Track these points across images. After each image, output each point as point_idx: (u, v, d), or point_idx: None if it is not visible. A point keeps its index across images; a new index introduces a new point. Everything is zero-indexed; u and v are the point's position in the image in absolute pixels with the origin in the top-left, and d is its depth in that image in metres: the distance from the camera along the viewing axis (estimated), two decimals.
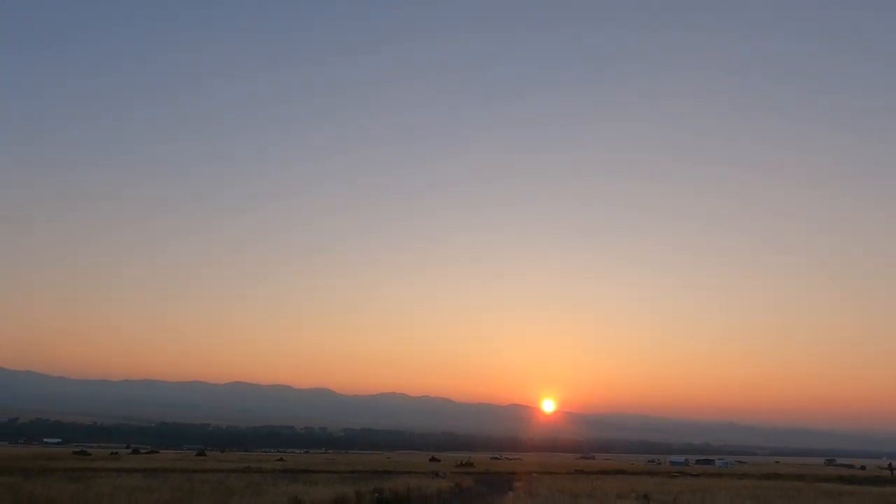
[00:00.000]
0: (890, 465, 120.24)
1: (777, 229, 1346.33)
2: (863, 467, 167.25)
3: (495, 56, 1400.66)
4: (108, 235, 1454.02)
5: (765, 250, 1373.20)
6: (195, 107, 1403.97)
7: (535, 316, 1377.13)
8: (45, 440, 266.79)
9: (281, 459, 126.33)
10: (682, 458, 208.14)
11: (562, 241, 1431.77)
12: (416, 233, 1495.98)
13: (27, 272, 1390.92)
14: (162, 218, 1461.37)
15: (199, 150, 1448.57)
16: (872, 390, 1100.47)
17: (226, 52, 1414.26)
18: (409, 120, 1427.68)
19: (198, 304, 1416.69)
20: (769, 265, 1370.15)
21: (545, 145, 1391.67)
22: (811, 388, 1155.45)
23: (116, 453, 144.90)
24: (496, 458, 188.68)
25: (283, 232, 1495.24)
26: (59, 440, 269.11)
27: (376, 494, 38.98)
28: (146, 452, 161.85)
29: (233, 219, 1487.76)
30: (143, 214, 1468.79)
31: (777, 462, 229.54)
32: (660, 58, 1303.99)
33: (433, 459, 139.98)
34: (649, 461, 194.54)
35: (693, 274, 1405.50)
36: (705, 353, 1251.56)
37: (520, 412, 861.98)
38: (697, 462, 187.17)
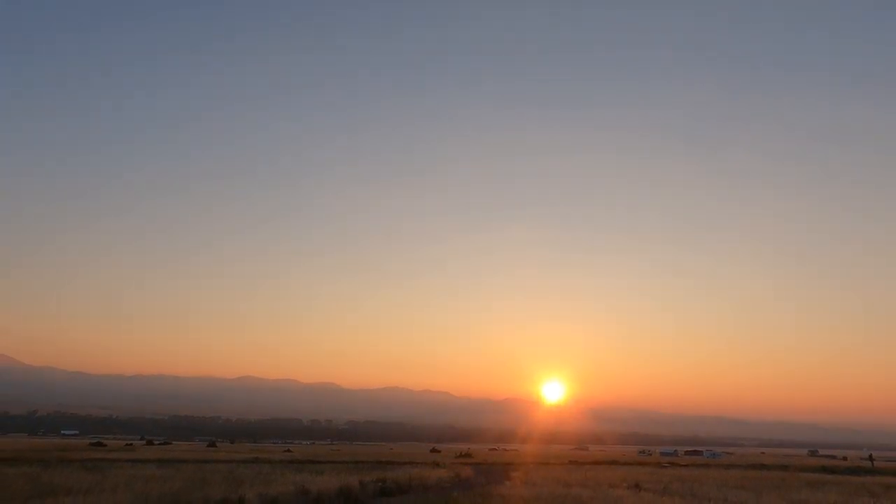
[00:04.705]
0: (870, 456, 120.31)
1: (770, 230, 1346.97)
2: (844, 458, 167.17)
3: (497, 44, 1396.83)
4: (122, 241, 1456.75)
5: (752, 250, 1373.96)
6: (204, 117, 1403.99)
7: (532, 314, 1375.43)
8: (62, 432, 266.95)
9: (288, 451, 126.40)
10: (672, 450, 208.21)
11: (558, 240, 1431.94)
12: (418, 233, 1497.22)
13: (46, 274, 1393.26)
14: (173, 223, 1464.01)
15: (205, 160, 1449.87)
16: (854, 385, 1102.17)
17: (226, 57, 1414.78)
18: (409, 121, 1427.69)
19: (207, 303, 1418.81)
20: (758, 265, 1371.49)
21: (545, 143, 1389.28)
22: (796, 383, 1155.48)
23: (131, 444, 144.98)
24: (494, 450, 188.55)
25: (288, 234, 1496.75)
26: (77, 432, 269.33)
27: (379, 484, 38.98)
28: (160, 444, 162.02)
29: (240, 222, 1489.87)
30: (154, 221, 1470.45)
31: (762, 453, 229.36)
32: (675, 51, 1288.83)
33: (434, 450, 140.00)
34: (640, 452, 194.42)
35: (685, 272, 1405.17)
36: (696, 350, 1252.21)
37: (516, 406, 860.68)
38: (686, 453, 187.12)
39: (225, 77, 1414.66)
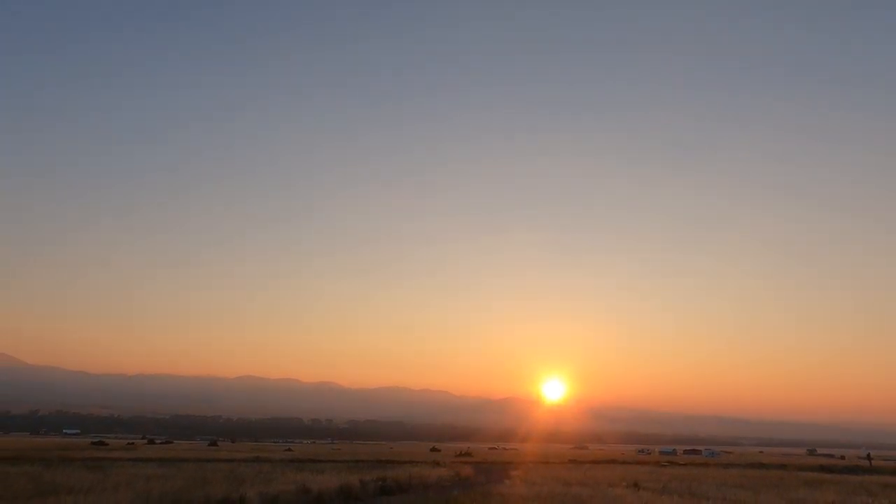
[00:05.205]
0: (868, 455, 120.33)
1: (770, 230, 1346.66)
2: (842, 457, 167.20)
3: (497, 45, 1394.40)
4: (124, 241, 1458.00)
5: (752, 250, 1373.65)
6: (204, 119, 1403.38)
7: (532, 314, 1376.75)
8: (64, 431, 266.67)
9: (289, 450, 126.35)
10: (671, 449, 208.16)
11: (558, 240, 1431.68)
12: (418, 234, 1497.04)
13: (48, 274, 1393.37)
14: (174, 224, 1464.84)
15: (206, 162, 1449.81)
16: (853, 385, 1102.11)
17: (229, 59, 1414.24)
18: (409, 122, 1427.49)
19: (209, 303, 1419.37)
20: (758, 265, 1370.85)
21: (546, 144, 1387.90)
22: (795, 383, 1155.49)
23: (133, 444, 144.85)
24: (493, 449, 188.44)
25: (289, 234, 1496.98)
26: (78, 431, 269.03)
27: (380, 482, 38.97)
28: (161, 443, 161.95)
29: (241, 224, 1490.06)
30: (156, 222, 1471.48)
31: (761, 452, 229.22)
32: (675, 52, 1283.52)
33: (434, 449, 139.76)
34: (640, 451, 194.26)
35: (685, 272, 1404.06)
36: (696, 350, 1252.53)
37: (516, 405, 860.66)
38: (685, 452, 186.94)
39: (226, 78, 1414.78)
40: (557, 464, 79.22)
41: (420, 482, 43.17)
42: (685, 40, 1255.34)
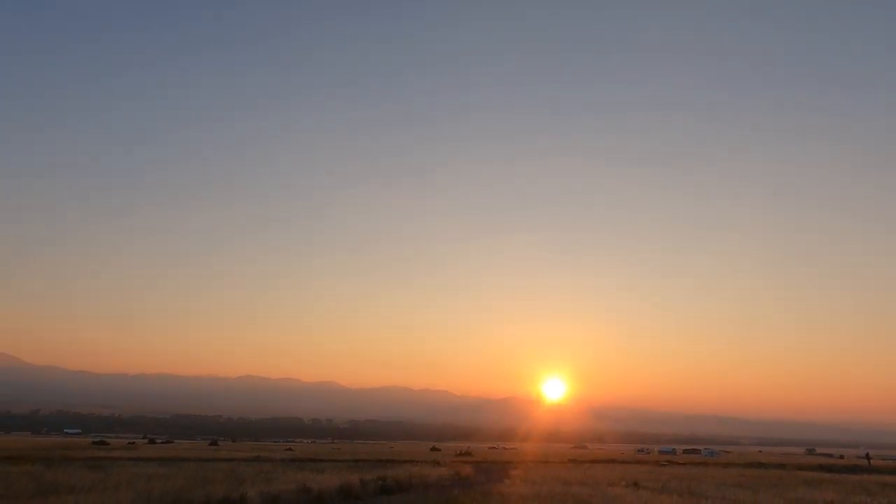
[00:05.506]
0: (867, 454, 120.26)
1: (770, 230, 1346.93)
2: (841, 456, 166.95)
3: (498, 45, 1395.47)
4: (126, 241, 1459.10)
5: (752, 250, 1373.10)
6: (205, 120, 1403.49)
7: (532, 314, 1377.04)
8: (65, 430, 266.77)
9: (289, 449, 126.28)
10: (670, 448, 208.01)
11: (558, 240, 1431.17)
12: (419, 234, 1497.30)
13: (49, 274, 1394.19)
14: (176, 224, 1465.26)
15: (208, 162, 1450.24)
16: (852, 384, 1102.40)
17: (234, 60, 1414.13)
18: (411, 124, 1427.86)
19: (209, 303, 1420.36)
20: (758, 265, 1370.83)
21: (546, 145, 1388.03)
22: (794, 382, 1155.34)
23: (133, 443, 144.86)
24: (493, 448, 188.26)
25: (290, 235, 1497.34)
26: (79, 431, 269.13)
27: (380, 482, 38.96)
28: (162, 442, 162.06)
29: (242, 224, 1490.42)
30: (158, 222, 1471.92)
31: (760, 451, 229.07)
32: (674, 52, 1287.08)
33: (434, 449, 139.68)
34: (639, 450, 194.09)
35: (684, 272, 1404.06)
36: (695, 349, 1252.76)
37: (515, 405, 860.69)
38: (685, 451, 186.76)
39: (226, 78, 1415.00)
40: (557, 463, 79.17)
41: (420, 481, 43.14)
42: (685, 40, 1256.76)
